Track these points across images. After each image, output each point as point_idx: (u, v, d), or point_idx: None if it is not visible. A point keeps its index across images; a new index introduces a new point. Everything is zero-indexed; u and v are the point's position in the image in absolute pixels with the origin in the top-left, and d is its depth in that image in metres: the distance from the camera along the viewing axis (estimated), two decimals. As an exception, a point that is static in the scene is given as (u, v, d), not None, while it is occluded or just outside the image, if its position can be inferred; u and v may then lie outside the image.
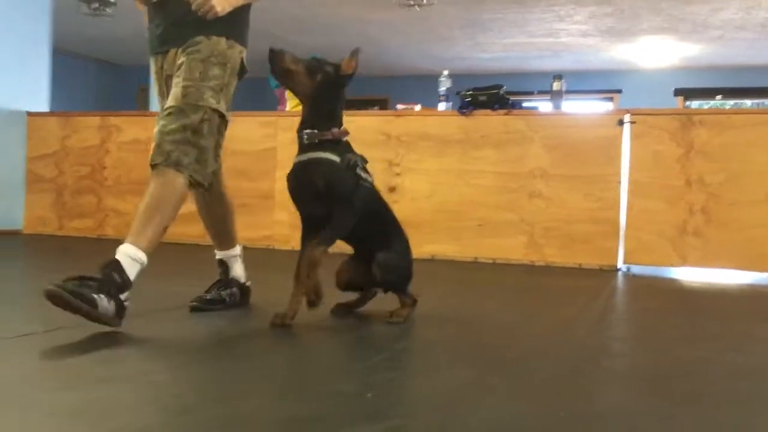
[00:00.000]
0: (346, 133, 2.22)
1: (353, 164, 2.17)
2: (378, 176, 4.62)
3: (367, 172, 2.25)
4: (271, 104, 5.18)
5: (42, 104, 5.54)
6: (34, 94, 5.49)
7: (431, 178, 4.62)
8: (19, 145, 5.38)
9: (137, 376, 1.62)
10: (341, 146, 2.19)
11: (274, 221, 4.84)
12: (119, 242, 2.00)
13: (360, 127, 4.79)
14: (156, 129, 2.16)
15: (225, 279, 2.47)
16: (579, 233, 4.31)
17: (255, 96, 6.73)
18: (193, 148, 2.10)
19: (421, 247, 4.54)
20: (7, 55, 5.26)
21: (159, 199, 2.06)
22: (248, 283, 2.52)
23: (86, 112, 6.11)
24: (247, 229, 4.72)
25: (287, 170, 2.22)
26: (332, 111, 2.20)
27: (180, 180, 2.08)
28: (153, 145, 2.12)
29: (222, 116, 2.19)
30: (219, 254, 2.50)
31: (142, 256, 1.97)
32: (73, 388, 1.46)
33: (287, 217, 4.46)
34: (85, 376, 1.58)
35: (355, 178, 2.17)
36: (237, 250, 2.51)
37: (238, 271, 2.50)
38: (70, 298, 1.75)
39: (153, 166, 2.09)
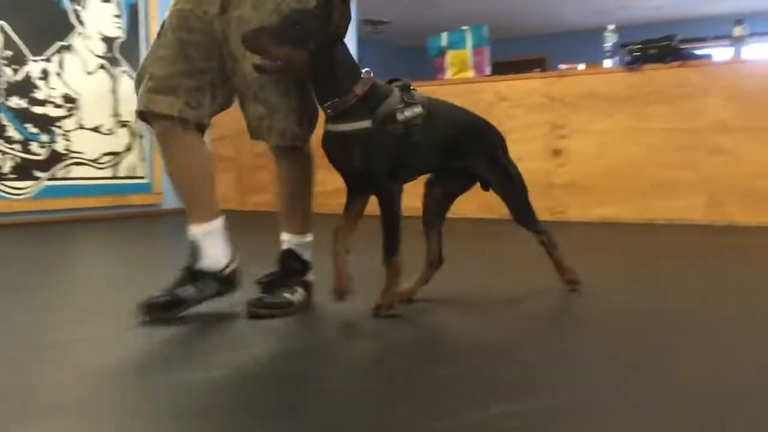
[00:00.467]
0: (368, 81, 1.86)
1: (390, 116, 1.84)
2: (541, 140, 4.58)
3: (410, 103, 1.89)
4: (433, 73, 5.19)
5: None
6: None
7: (599, 139, 4.46)
8: (203, 128, 5.83)
9: (328, 342, 1.74)
10: (369, 99, 1.85)
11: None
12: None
13: (520, 91, 4.73)
14: (247, 101, 1.98)
15: None
16: (766, 190, 3.99)
17: (415, 66, 6.79)
18: (300, 114, 1.95)
19: (590, 211, 4.43)
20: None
21: (294, 185, 2.06)
22: None
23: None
24: (409, 198, 4.81)
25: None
26: (344, 70, 1.85)
27: (304, 157, 2.03)
28: (259, 123, 1.97)
29: None
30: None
31: (305, 238, 2.05)
32: (286, 354, 1.59)
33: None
34: (290, 341, 1.72)
35: (402, 126, 1.86)
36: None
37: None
38: (271, 312, 1.89)
39: (279, 148, 1.99)
